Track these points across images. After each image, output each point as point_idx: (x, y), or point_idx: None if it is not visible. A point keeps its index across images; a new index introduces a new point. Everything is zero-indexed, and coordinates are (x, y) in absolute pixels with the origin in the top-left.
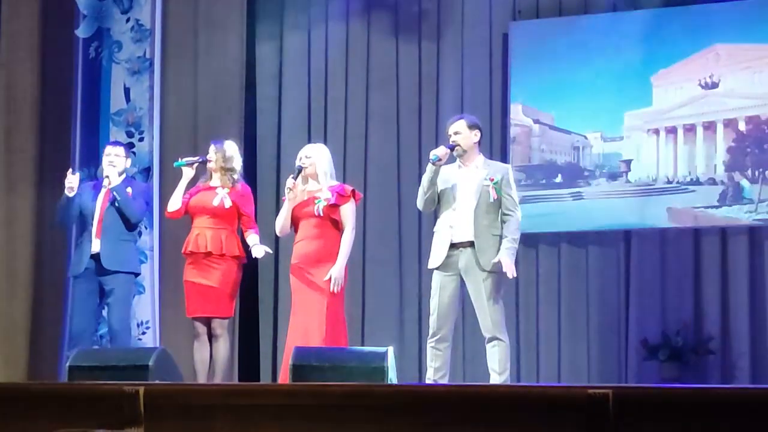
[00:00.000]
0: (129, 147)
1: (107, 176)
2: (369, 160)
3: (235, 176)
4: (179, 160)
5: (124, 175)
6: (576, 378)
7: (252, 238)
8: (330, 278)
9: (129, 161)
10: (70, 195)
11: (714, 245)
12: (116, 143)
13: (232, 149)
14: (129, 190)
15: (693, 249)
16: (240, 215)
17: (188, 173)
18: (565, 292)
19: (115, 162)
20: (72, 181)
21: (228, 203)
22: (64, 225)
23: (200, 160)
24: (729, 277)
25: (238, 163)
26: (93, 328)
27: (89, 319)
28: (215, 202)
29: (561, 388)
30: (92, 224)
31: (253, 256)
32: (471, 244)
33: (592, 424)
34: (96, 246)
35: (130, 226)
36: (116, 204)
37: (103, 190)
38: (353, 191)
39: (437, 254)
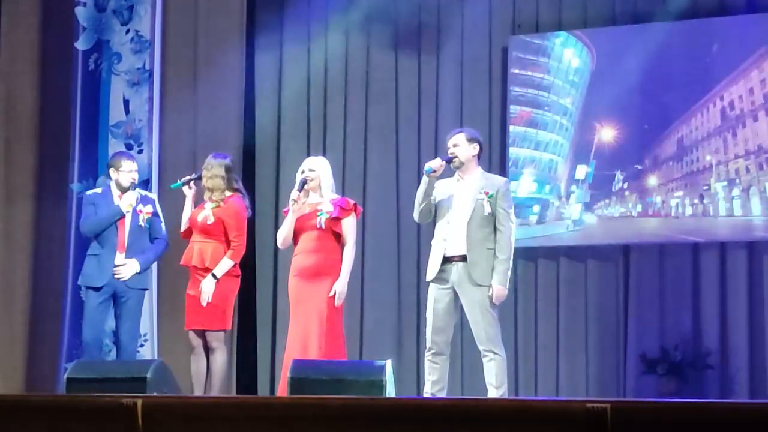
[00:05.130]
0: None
1: (145, 194)
2: (368, 172)
3: (221, 194)
4: (177, 181)
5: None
6: (574, 392)
7: (221, 265)
8: (334, 293)
9: None
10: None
11: (713, 260)
12: (130, 156)
13: (217, 167)
14: (149, 209)
15: (692, 263)
16: (226, 233)
17: (188, 192)
18: (564, 305)
19: (135, 176)
20: (132, 199)
21: (211, 219)
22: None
23: (194, 176)
24: (728, 292)
25: (218, 180)
26: (103, 339)
27: (100, 330)
28: (200, 218)
29: (559, 402)
30: (116, 235)
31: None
32: (464, 257)
33: None
34: (117, 261)
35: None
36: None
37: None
38: (354, 205)
39: (431, 267)
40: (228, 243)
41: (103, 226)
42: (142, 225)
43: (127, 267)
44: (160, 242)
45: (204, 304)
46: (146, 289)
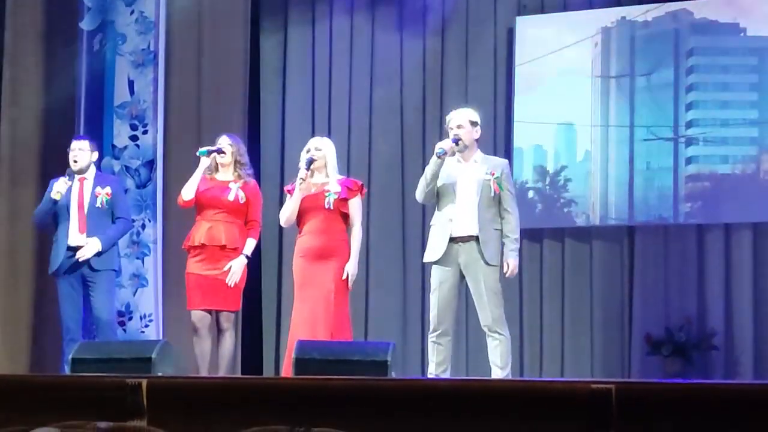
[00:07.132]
0: (93, 140)
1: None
2: (373, 154)
3: (249, 171)
4: (201, 149)
5: (92, 170)
6: (579, 373)
7: (249, 245)
8: (347, 276)
9: (95, 154)
10: (57, 199)
11: (718, 241)
12: (82, 137)
13: (243, 144)
14: (108, 190)
15: (697, 244)
16: (247, 213)
17: (206, 162)
18: (569, 286)
19: (78, 157)
20: (62, 187)
21: (243, 198)
22: (42, 227)
23: (218, 150)
24: (732, 273)
25: (246, 159)
26: (83, 321)
27: (80, 312)
28: (230, 197)
29: (564, 382)
30: (68, 219)
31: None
32: (471, 238)
33: (595, 419)
34: (79, 242)
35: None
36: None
37: (77, 186)
38: (361, 185)
39: (436, 248)
40: (245, 222)
41: (39, 216)
42: (101, 206)
43: (88, 246)
44: (121, 222)
45: (231, 284)
46: (114, 270)
